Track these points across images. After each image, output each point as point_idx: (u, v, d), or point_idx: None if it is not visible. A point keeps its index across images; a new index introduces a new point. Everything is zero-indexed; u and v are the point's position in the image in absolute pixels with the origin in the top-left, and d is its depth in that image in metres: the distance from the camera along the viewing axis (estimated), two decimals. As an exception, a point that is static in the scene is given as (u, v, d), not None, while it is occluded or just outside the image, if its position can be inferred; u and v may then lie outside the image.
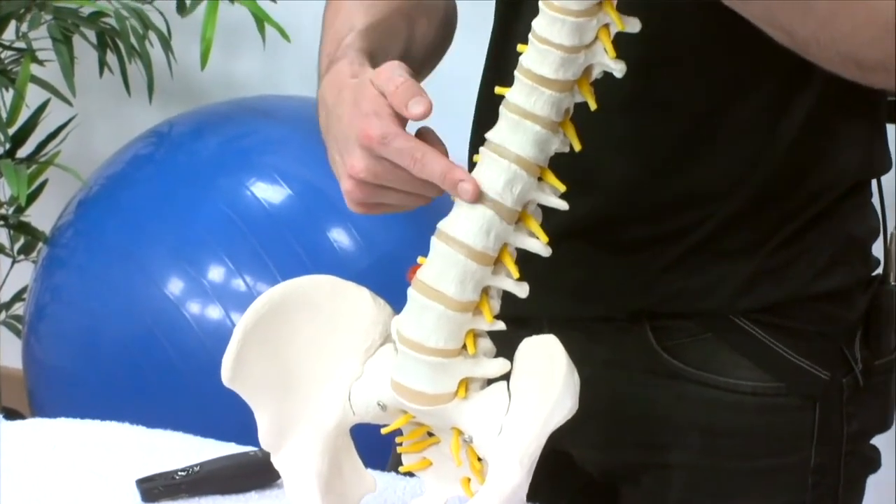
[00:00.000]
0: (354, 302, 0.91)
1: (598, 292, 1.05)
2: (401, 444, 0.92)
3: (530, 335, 0.87)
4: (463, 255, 0.84)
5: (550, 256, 0.86)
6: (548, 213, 0.87)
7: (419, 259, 0.87)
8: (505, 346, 0.88)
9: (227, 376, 0.89)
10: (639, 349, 1.04)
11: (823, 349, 1.03)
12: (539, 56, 0.82)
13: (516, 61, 0.84)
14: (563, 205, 0.86)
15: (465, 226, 0.84)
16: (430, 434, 0.91)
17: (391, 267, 0.85)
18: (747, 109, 0.98)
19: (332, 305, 0.91)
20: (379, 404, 0.89)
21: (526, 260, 0.87)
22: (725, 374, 1.03)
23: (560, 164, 0.86)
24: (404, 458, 0.93)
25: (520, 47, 0.84)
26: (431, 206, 0.91)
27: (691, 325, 1.03)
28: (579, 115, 0.87)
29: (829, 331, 1.03)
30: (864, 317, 1.05)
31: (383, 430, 0.91)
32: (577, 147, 0.86)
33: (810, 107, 0.98)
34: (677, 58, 0.97)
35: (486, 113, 1.07)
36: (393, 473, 1.08)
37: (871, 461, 1.09)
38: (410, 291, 0.86)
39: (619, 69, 0.84)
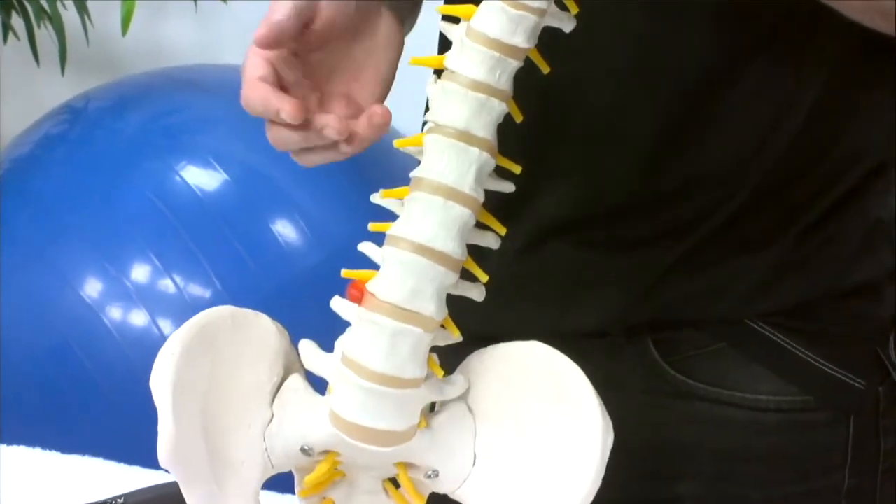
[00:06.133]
0: (256, 332, 0.87)
1: (590, 301, 1.03)
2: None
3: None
4: (443, 268, 0.80)
5: (532, 260, 0.85)
6: (530, 209, 0.84)
7: (345, 272, 0.82)
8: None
9: (167, 459, 0.81)
10: (640, 366, 1.04)
11: (855, 353, 1.03)
12: None
13: None
14: (508, 187, 0.83)
15: (435, 230, 0.79)
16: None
17: (344, 264, 0.82)
18: (758, 74, 0.98)
19: (233, 341, 0.86)
20: (303, 449, 0.85)
21: (500, 264, 0.85)
22: (742, 388, 1.02)
23: (548, 147, 0.85)
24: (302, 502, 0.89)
25: None
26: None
27: (701, 335, 1.03)
28: (565, 82, 0.85)
29: (859, 331, 1.04)
30: None
31: (307, 480, 0.87)
32: (518, 119, 0.82)
33: (828, 72, 0.98)
34: (680, 12, 0.96)
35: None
36: None
37: (910, 480, 1.10)
38: (371, 315, 0.80)
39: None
